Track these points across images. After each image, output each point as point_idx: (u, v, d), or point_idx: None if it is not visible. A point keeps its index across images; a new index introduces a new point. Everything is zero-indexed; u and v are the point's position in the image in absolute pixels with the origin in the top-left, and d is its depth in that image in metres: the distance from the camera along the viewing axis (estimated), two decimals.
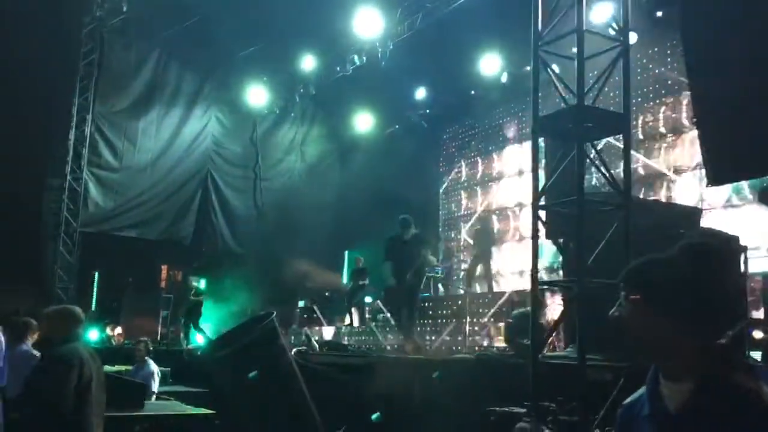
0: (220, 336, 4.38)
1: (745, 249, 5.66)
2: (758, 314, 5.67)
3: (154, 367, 8.79)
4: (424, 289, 13.57)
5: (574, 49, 5.71)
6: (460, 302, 12.03)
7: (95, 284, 16.80)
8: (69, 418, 4.70)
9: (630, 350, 1.86)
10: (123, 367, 9.08)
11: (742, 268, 5.36)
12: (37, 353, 7.16)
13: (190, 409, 6.85)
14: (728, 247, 5.53)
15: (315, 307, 15.70)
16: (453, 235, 18.19)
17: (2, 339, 7.93)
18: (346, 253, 18.01)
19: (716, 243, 5.34)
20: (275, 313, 3.57)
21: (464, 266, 14.88)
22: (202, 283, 15.01)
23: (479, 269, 14.34)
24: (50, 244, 16.73)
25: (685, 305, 1.72)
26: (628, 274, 1.83)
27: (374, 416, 6.87)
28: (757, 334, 5.24)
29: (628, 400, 1.90)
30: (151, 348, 9.52)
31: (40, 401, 4.73)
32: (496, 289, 14.22)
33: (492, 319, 10.08)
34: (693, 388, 1.69)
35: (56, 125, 16.94)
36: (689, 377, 1.70)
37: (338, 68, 16.07)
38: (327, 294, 16.24)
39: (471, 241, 14.84)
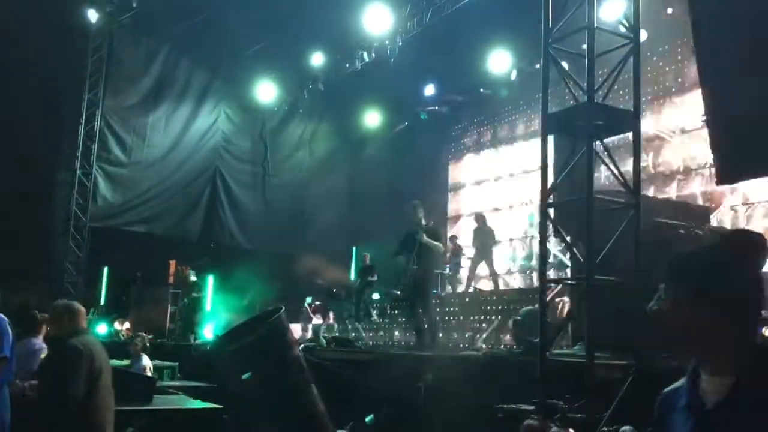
0: (228, 331, 4.39)
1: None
2: None
3: (147, 361, 9.17)
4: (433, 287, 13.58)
5: (584, 46, 5.69)
6: (467, 300, 12.03)
7: (104, 279, 16.86)
8: (79, 408, 4.73)
9: (661, 345, 1.86)
10: (129, 362, 9.13)
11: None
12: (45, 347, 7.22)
13: (198, 404, 6.89)
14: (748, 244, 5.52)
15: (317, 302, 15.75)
16: (461, 233, 18.17)
17: (10, 332, 8.00)
18: (354, 249, 18.02)
19: (756, 235, 5.29)
20: (284, 308, 3.58)
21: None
22: (192, 275, 14.98)
23: (480, 268, 14.30)
24: (59, 239, 16.82)
25: (727, 296, 1.69)
26: (671, 266, 1.80)
27: (368, 419, 6.92)
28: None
29: (669, 389, 1.87)
30: (148, 344, 9.82)
31: (51, 388, 4.77)
32: (502, 286, 14.21)
33: (499, 317, 10.07)
34: (733, 382, 1.66)
35: (66, 121, 17.03)
36: (729, 371, 1.68)
37: (347, 64, 16.07)
38: (334, 291, 16.24)
39: (473, 240, 14.78)
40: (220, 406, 6.63)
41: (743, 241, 1.84)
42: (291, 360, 3.58)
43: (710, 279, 1.71)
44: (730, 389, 1.66)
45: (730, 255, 1.74)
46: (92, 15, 16.03)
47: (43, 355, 7.04)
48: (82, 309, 5.17)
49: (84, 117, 16.96)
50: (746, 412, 1.62)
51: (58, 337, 5.06)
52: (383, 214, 15.95)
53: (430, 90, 17.20)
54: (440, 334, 10.50)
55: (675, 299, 1.75)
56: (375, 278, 14.03)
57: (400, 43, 14.64)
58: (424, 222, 9.07)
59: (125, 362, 9.19)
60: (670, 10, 11.76)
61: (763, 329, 4.63)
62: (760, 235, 5.54)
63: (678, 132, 12.92)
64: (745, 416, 1.61)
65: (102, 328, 13.88)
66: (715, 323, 1.68)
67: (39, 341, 7.35)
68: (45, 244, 16.79)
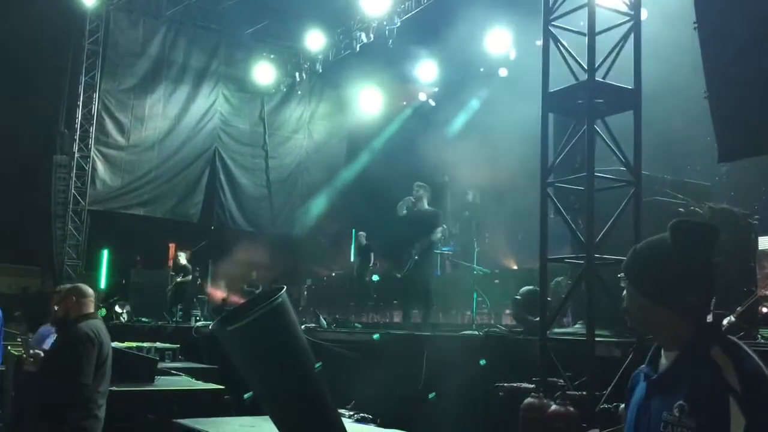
0: (231, 310, 4.40)
1: (755, 225, 5.64)
2: None
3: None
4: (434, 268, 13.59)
5: (582, 23, 5.66)
6: (469, 279, 12.03)
7: (103, 262, 16.89)
8: (84, 392, 4.76)
9: (627, 326, 2.08)
10: (134, 344, 9.14)
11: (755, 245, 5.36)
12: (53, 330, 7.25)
13: (200, 384, 6.92)
14: (733, 223, 5.53)
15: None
16: (462, 213, 18.11)
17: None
18: (354, 231, 18.03)
19: (699, 220, 5.33)
20: (285, 287, 3.58)
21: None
22: (182, 258, 14.93)
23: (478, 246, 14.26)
24: (58, 223, 16.83)
25: (654, 283, 1.91)
26: (626, 258, 2.03)
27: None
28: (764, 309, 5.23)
29: (643, 365, 2.08)
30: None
31: (59, 375, 4.78)
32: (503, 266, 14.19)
33: (499, 297, 10.08)
34: (675, 357, 1.89)
35: (63, 104, 16.97)
36: (677, 348, 1.90)
37: (345, 46, 15.97)
38: (333, 274, 16.27)
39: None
40: (222, 387, 6.67)
41: (686, 228, 1.93)
42: (294, 338, 3.59)
43: (645, 269, 1.94)
44: (671, 363, 1.90)
45: (667, 244, 1.92)
46: None
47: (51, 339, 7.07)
48: (91, 291, 5.16)
49: (81, 100, 16.90)
50: (674, 381, 1.85)
51: (66, 319, 5.06)
52: (383, 196, 15.92)
53: (428, 70, 17.06)
54: (440, 315, 10.56)
55: (626, 289, 2.00)
56: (373, 259, 14.00)
57: (399, 24, 14.53)
58: (426, 202, 9.08)
59: (126, 344, 9.21)
60: None
61: (726, 319, 4.67)
62: (733, 216, 5.56)
63: None
64: (673, 386, 1.84)
65: (101, 311, 13.92)
66: (654, 309, 1.91)
67: (47, 325, 7.40)
68: (44, 228, 16.81)
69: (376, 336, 7.34)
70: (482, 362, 5.99)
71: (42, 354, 5.43)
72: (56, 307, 5.25)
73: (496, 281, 10.96)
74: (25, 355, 5.73)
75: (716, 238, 1.95)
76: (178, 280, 14.64)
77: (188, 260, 14.97)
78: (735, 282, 5.28)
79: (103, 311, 13.83)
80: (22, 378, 7.41)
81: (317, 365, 3.60)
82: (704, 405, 1.74)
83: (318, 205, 18.65)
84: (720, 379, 1.75)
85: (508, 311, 9.09)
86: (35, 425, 4.94)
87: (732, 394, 1.71)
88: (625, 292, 2.00)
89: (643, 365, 2.06)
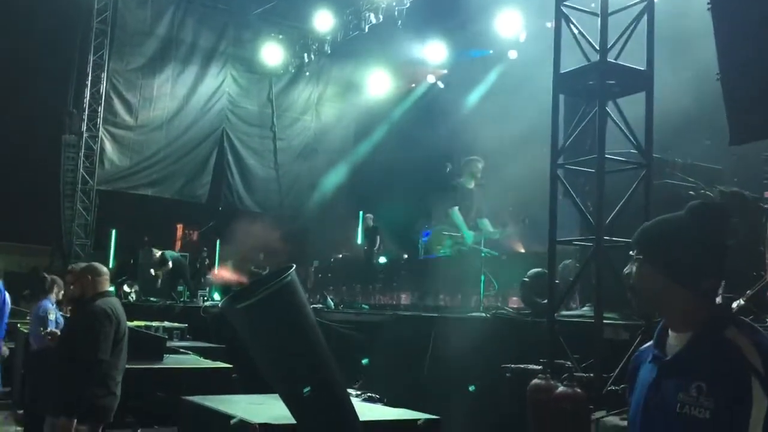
0: (240, 289, 4.42)
1: (766, 209, 5.60)
2: None
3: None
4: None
5: (594, 4, 5.60)
6: (475, 262, 11.99)
7: (112, 242, 16.96)
8: (101, 369, 4.81)
9: (633, 305, 2.04)
10: (142, 323, 9.21)
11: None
12: (52, 309, 7.32)
13: (208, 363, 6.98)
14: (743, 207, 5.49)
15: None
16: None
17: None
18: (361, 213, 18.05)
19: (719, 202, 5.31)
20: (294, 266, 3.59)
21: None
22: (156, 254, 14.94)
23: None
24: (67, 202, 16.89)
25: (678, 262, 1.88)
26: (637, 234, 2.01)
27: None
28: None
29: (643, 346, 2.09)
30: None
31: (77, 350, 4.82)
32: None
33: (507, 280, 10.05)
34: (689, 338, 1.87)
35: (71, 83, 16.97)
36: (689, 329, 1.87)
37: (353, 26, 15.88)
38: (340, 256, 16.28)
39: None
40: (230, 365, 6.72)
41: (705, 210, 1.92)
42: (304, 317, 3.60)
43: (665, 247, 1.91)
44: (686, 344, 1.87)
45: (687, 224, 1.91)
46: None
47: (51, 316, 7.14)
48: (106, 270, 5.21)
49: (89, 79, 16.90)
50: (692, 364, 1.82)
51: (83, 298, 5.10)
52: (392, 178, 15.92)
53: (438, 52, 16.93)
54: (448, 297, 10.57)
55: (637, 266, 1.95)
56: (380, 241, 14.01)
57: (408, 5, 14.43)
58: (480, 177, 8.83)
59: (135, 324, 9.27)
60: None
61: (735, 302, 4.66)
62: (743, 199, 5.52)
63: None
64: (690, 368, 1.81)
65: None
66: (669, 286, 1.89)
67: (51, 302, 7.46)
68: (53, 208, 16.89)
69: (364, 361, 7.32)
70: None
71: (58, 332, 5.48)
72: (72, 286, 5.29)
73: (504, 263, 10.92)
74: (43, 333, 5.79)
75: (730, 221, 1.95)
76: (153, 272, 14.72)
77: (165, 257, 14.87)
78: (744, 266, 5.25)
79: (114, 289, 13.92)
80: (30, 356, 7.51)
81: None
82: (725, 385, 1.73)
83: (326, 186, 18.64)
84: (742, 359, 1.74)
85: (515, 297, 9.06)
86: (53, 404, 4.99)
87: (755, 375, 1.70)
88: (633, 269, 1.96)
89: (646, 346, 2.05)
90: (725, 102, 5.20)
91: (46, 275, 8.12)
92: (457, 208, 8.79)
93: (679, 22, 7.21)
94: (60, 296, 7.58)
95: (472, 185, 8.97)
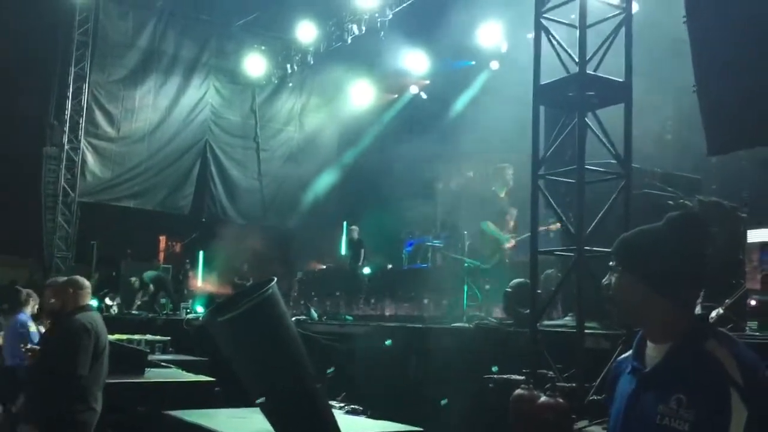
0: (221, 302, 4.40)
1: (744, 219, 5.66)
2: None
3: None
4: (422, 261, 13.57)
5: (573, 16, 5.66)
6: (459, 272, 12.02)
7: (94, 254, 16.82)
8: (80, 384, 4.75)
9: (612, 315, 2.04)
10: (124, 336, 9.13)
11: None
12: (31, 323, 7.25)
13: (191, 376, 6.92)
14: (722, 216, 5.55)
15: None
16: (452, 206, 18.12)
17: None
18: (345, 224, 18.03)
19: (697, 212, 5.37)
20: (276, 279, 3.58)
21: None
22: (135, 282, 14.92)
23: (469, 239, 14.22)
24: (48, 214, 16.75)
25: (658, 273, 1.88)
26: (616, 244, 2.00)
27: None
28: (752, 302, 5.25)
29: (622, 356, 2.09)
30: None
31: (56, 365, 4.77)
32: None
33: (487, 287, 10.07)
34: (668, 349, 1.86)
35: (53, 95, 16.86)
36: (668, 340, 1.87)
37: (336, 38, 15.91)
38: (324, 267, 16.24)
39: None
40: (213, 379, 6.67)
41: (684, 221, 1.94)
42: (285, 329, 3.59)
43: (644, 258, 1.91)
44: (665, 355, 1.86)
45: (666, 235, 1.91)
46: None
47: (32, 328, 7.06)
48: (87, 283, 5.17)
49: (71, 91, 16.81)
50: (671, 376, 1.81)
51: (63, 311, 5.05)
52: (375, 189, 15.91)
53: (420, 63, 16.99)
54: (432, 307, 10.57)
55: (617, 276, 1.95)
56: (363, 255, 13.98)
57: (390, 16, 14.49)
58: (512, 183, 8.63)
59: (116, 337, 9.19)
60: None
61: (714, 311, 4.70)
62: (723, 209, 5.58)
63: None
64: (670, 380, 1.81)
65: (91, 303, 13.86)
66: (648, 297, 1.88)
67: (26, 316, 7.39)
68: (34, 220, 16.74)
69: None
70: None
71: (38, 348, 5.42)
72: (52, 300, 5.24)
73: (487, 272, 10.95)
74: (24, 348, 5.73)
75: (708, 231, 1.96)
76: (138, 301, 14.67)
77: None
78: (723, 274, 5.30)
79: (96, 302, 13.82)
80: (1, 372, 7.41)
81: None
82: (704, 397, 1.73)
83: (309, 197, 18.61)
84: (722, 372, 1.74)
85: (497, 308, 9.08)
86: (34, 418, 4.94)
87: (734, 387, 1.71)
88: (613, 279, 1.95)
89: (624, 356, 2.05)
90: (702, 114, 5.27)
91: (20, 288, 8.03)
92: (489, 222, 8.71)
93: (656, 32, 7.29)
94: (35, 309, 7.50)
95: (503, 194, 8.84)
